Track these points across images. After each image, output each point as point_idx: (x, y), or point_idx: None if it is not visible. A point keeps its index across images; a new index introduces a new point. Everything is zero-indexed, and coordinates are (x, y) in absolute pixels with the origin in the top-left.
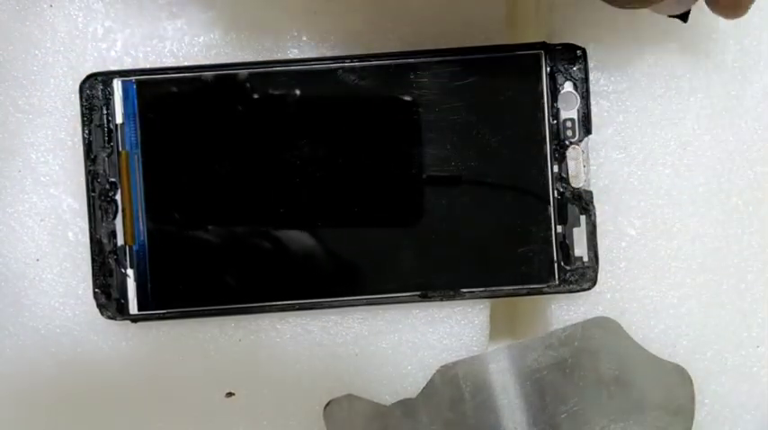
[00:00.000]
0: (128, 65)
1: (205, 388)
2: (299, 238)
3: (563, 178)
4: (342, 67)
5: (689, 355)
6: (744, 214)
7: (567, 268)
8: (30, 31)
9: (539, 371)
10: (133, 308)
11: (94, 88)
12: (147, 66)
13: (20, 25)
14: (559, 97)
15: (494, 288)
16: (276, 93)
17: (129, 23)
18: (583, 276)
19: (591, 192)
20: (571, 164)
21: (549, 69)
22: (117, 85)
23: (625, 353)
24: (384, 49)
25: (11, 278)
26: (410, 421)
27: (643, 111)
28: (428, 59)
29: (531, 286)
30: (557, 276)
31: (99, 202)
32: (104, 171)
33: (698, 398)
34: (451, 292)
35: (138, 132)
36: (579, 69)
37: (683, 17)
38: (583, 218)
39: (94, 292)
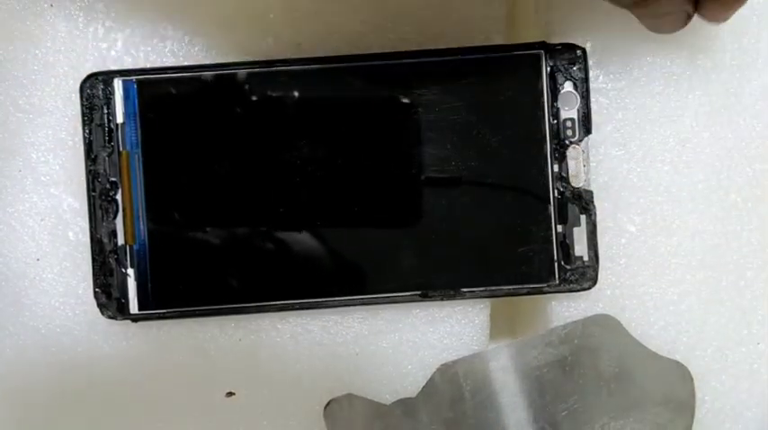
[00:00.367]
0: (128, 65)
1: (205, 388)
2: (299, 238)
3: (563, 178)
4: (342, 67)
5: (689, 352)
6: (743, 211)
7: (568, 267)
8: (30, 31)
9: (539, 369)
10: (133, 307)
11: (95, 88)
12: (148, 66)
13: (20, 25)
14: (559, 97)
15: (494, 287)
16: (276, 93)
17: (129, 23)
18: (583, 275)
19: (591, 192)
20: (571, 163)
21: (549, 69)
22: (117, 84)
23: (625, 351)
24: (384, 49)
25: (11, 278)
26: (410, 420)
27: (642, 108)
28: (428, 59)
29: (532, 286)
30: (557, 276)
31: (99, 202)
32: (105, 170)
33: (698, 395)
34: (452, 292)
35: (139, 132)
36: (579, 69)
37: None
38: (583, 217)
39: (95, 292)
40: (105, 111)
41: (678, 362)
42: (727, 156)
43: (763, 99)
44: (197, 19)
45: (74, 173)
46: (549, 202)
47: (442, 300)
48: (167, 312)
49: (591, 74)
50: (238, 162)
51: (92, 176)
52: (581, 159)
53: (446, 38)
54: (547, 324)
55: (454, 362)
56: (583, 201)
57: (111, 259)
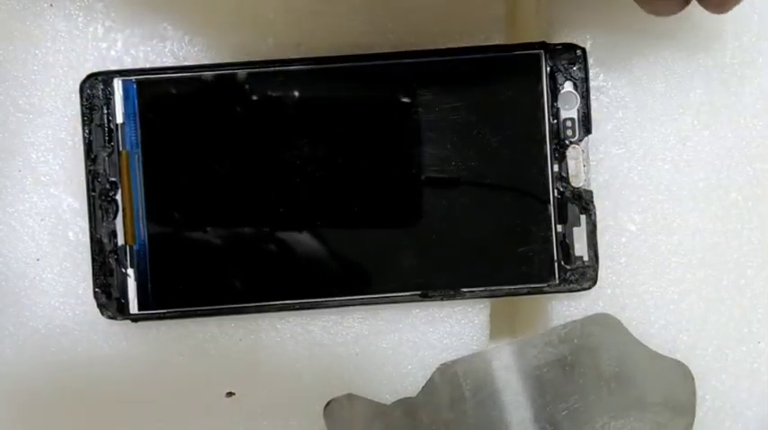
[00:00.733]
0: (128, 65)
1: (205, 388)
2: (299, 238)
3: (563, 178)
4: (342, 67)
5: (689, 351)
6: (743, 210)
7: (568, 267)
8: (30, 31)
9: (539, 369)
10: (133, 307)
11: (95, 88)
12: (147, 66)
13: (20, 25)
14: (559, 97)
15: (494, 287)
16: (276, 93)
17: (129, 23)
18: (583, 275)
19: (591, 192)
20: (571, 163)
21: (549, 69)
22: (117, 84)
23: (625, 350)
24: (384, 49)
25: (11, 278)
26: (410, 420)
27: (643, 107)
28: (428, 59)
29: (532, 285)
30: (557, 275)
31: (99, 202)
32: (105, 171)
33: (699, 394)
34: (452, 292)
35: (139, 132)
36: (579, 69)
37: None
38: (583, 217)
39: (95, 292)
40: (105, 111)
41: (678, 362)
42: (727, 155)
43: (764, 98)
44: (197, 19)
45: (74, 173)
46: (549, 202)
47: (442, 300)
48: (167, 312)
49: (591, 72)
50: (238, 162)
51: (92, 176)
52: (581, 159)
53: (446, 38)
54: (547, 323)
55: (454, 362)
56: (583, 201)
57: (111, 259)
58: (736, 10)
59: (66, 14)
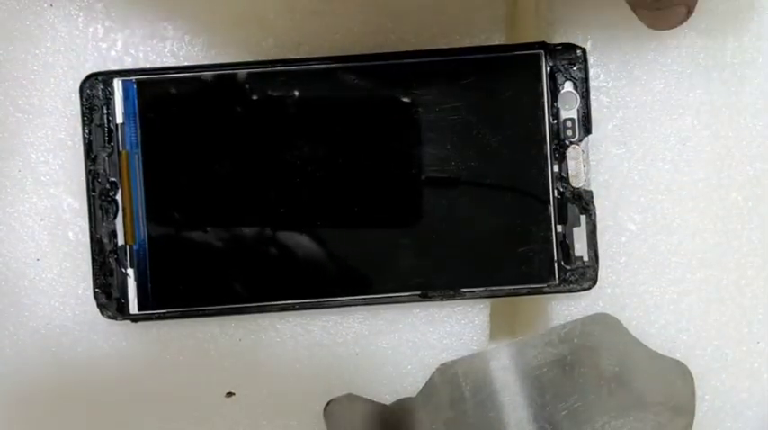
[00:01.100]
0: (128, 65)
1: (205, 388)
2: (299, 238)
3: (563, 178)
4: (342, 68)
5: (689, 351)
6: (743, 210)
7: (568, 268)
8: (30, 31)
9: (538, 369)
10: (133, 307)
11: (95, 88)
12: (147, 66)
13: (20, 25)
14: (559, 97)
15: (494, 288)
16: (276, 93)
17: (129, 23)
18: (583, 276)
19: (591, 192)
20: (571, 163)
21: (549, 69)
22: (117, 84)
23: (625, 350)
24: (384, 49)
25: (11, 278)
26: (410, 420)
27: (643, 106)
28: (428, 59)
29: (532, 286)
30: (557, 276)
31: (99, 202)
32: (105, 171)
33: (698, 394)
34: (452, 292)
35: (139, 132)
36: (579, 69)
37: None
38: (583, 217)
39: (95, 292)
40: (105, 111)
41: (678, 361)
42: (727, 155)
43: (764, 97)
44: (197, 19)
45: (74, 173)
46: (549, 202)
47: (441, 300)
48: (167, 312)
49: (591, 72)
50: (238, 162)
51: (92, 176)
52: (581, 159)
53: (446, 38)
54: (547, 323)
55: (454, 362)
56: (583, 202)
57: (110, 259)
58: (736, 10)
59: (66, 14)
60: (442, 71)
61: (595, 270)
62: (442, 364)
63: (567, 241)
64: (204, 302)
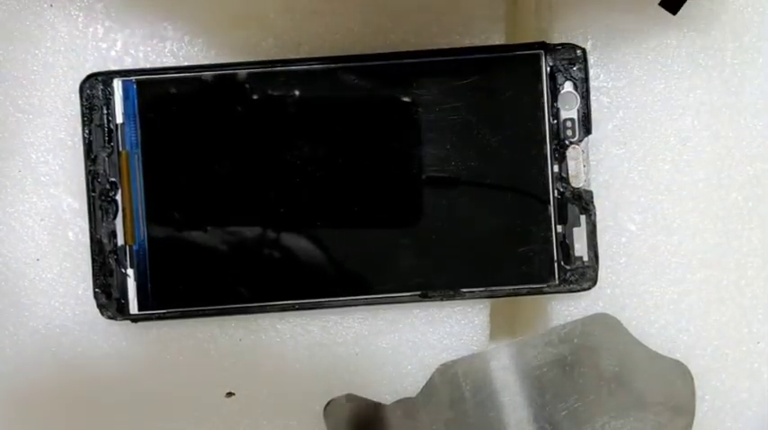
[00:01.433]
0: (128, 65)
1: (205, 388)
2: (299, 238)
3: (563, 178)
4: (342, 68)
5: (689, 351)
6: (744, 210)
7: (568, 268)
8: (30, 31)
9: (539, 369)
10: (133, 307)
11: (95, 88)
12: (147, 66)
13: (20, 25)
14: (559, 97)
15: (494, 288)
16: (276, 93)
17: (129, 23)
18: (583, 276)
19: (591, 192)
20: (571, 164)
21: (548, 69)
22: (117, 84)
23: (625, 350)
24: (384, 49)
25: (11, 278)
26: (410, 420)
27: (643, 106)
28: (428, 59)
29: (532, 286)
30: (557, 276)
31: (99, 202)
32: (104, 171)
33: (698, 394)
34: (452, 292)
35: (139, 132)
36: (579, 69)
37: (672, 8)
38: (583, 217)
39: (95, 292)
40: (105, 111)
41: (678, 361)
42: (728, 155)
43: (764, 97)
44: (197, 19)
45: (73, 173)
46: (549, 203)
47: (441, 300)
48: (167, 312)
49: (591, 72)
50: (238, 162)
51: (91, 177)
52: (581, 159)
53: (446, 38)
54: (547, 323)
55: (454, 362)
56: (583, 202)
57: (110, 259)
58: (736, 10)
59: (66, 14)
60: (442, 71)
61: (595, 270)
62: (442, 364)
63: (567, 241)
64: (204, 302)
